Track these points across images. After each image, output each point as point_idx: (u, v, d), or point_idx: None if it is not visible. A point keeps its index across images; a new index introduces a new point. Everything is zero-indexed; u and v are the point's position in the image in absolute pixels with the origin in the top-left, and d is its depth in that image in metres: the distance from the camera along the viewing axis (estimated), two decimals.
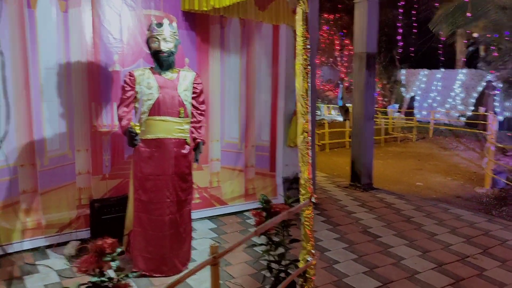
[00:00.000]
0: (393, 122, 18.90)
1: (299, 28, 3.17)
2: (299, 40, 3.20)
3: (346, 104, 20.15)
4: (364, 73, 7.89)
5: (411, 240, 5.40)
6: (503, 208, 7.59)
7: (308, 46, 3.25)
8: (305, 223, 3.26)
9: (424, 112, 22.20)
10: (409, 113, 22.77)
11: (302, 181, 3.28)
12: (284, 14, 6.17)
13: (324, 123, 15.61)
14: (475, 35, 8.73)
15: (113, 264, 2.35)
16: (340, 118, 17.23)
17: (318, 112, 18.99)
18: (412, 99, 23.71)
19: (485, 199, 8.30)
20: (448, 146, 15.81)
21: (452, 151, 14.81)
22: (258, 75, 6.37)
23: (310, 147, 3.21)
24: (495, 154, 10.41)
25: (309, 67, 3.23)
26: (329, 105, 24.72)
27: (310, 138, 3.27)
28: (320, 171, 10.72)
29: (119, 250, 2.41)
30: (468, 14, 9.60)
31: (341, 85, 25.49)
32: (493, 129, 10.83)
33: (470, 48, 12.36)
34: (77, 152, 4.94)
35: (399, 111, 22.47)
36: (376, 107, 24.40)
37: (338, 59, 28.94)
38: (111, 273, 2.37)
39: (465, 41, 15.69)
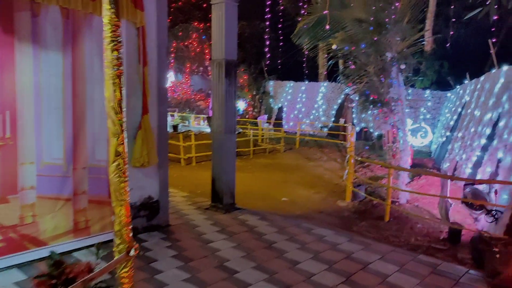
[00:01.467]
0: (263, 134, 18.90)
1: (106, 13, 2.21)
2: (107, 29, 2.24)
3: None
4: (224, 82, 7.15)
5: (272, 273, 4.70)
6: (362, 223, 7.50)
7: (120, 39, 2.27)
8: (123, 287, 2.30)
9: (291, 123, 22.82)
10: (278, 124, 23.22)
11: (117, 227, 2.34)
12: (122, 7, 5.06)
13: (190, 135, 14.68)
14: (334, 46, 8.66)
15: None
16: (209, 130, 16.49)
17: (186, 123, 18.08)
18: (281, 110, 24.28)
19: (346, 213, 8.21)
20: (312, 156, 16.20)
21: (316, 161, 15.15)
22: (90, 78, 5.11)
23: (126, 179, 2.28)
24: (355, 165, 10.69)
25: (121, 68, 2.25)
26: (198, 116, 23.95)
27: (127, 165, 2.32)
28: (182, 189, 9.72)
29: None
30: (327, 27, 9.63)
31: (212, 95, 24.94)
32: (352, 140, 11.15)
33: (330, 62, 12.65)
34: None
35: (268, 122, 22.75)
36: (247, 118, 24.44)
37: (209, 68, 28.45)
38: None
39: (326, 55, 16.31)
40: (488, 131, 8.50)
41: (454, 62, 18.83)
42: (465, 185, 6.30)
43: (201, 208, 7.52)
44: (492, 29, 15.38)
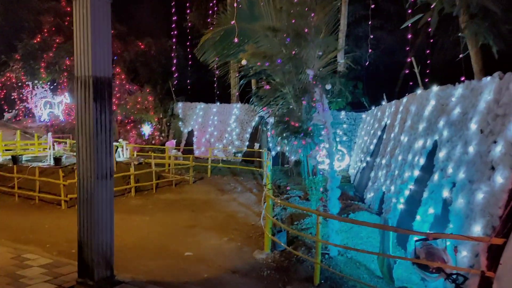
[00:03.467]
0: (169, 162, 16.69)
1: None
2: None
3: (123, 141, 16.96)
4: (92, 108, 5.07)
5: None
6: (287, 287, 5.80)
7: None
8: None
9: (203, 148, 20.91)
10: (189, 150, 21.15)
11: None
12: None
13: (73, 169, 12.03)
14: (243, 62, 7.02)
15: None
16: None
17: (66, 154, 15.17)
18: (191, 134, 22.28)
19: (266, 271, 6.45)
20: (226, 187, 14.39)
21: (230, 194, 13.36)
22: None
23: None
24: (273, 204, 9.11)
25: None
26: (70, 141, 20.81)
27: None
28: (49, 250, 7.30)
29: None
30: (236, 40, 7.99)
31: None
32: (267, 172, 9.53)
33: (242, 81, 11.05)
34: None
35: (177, 148, 20.58)
36: (153, 144, 22.02)
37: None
38: None
39: (237, 74, 14.82)
40: (421, 160, 7.38)
41: (368, 82, 18.52)
42: (416, 240, 4.92)
43: None
44: (407, 48, 15.11)
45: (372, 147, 12.95)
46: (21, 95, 27.87)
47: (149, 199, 12.24)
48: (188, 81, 26.04)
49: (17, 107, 28.37)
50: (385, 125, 11.86)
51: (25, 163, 13.35)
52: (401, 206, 7.82)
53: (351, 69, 16.51)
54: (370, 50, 17.68)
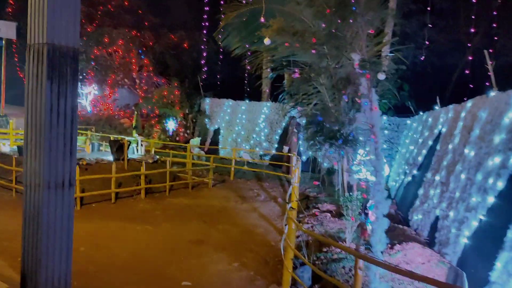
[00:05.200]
0: (189, 162, 15.28)
1: None
2: None
3: (128, 137, 15.76)
4: (45, 88, 3.60)
5: None
6: None
7: None
8: None
9: (229, 148, 19.44)
10: (213, 150, 19.73)
11: None
12: None
13: (81, 164, 10.81)
14: (266, 41, 5.42)
15: None
16: (112, 158, 12.49)
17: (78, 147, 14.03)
18: (217, 132, 20.86)
19: None
20: (247, 194, 12.82)
21: (251, 202, 11.77)
22: None
23: None
24: (295, 225, 7.44)
25: None
26: (92, 133, 19.81)
27: None
28: (18, 265, 5.88)
29: None
30: (262, 20, 6.39)
31: (135, 112, 21.07)
32: (294, 192, 7.83)
33: (271, 75, 9.42)
34: None
35: (201, 147, 19.19)
36: (177, 141, 20.76)
37: (137, 81, 24.58)
38: None
39: (269, 69, 13.20)
40: (500, 184, 5.53)
41: (414, 85, 16.48)
42: None
43: None
44: (469, 45, 13.04)
45: (420, 158, 11.01)
46: None
47: (160, 203, 10.83)
48: (218, 76, 24.68)
49: None
50: (439, 133, 9.93)
51: None
52: (465, 241, 5.98)
53: (395, 68, 14.47)
54: (426, 43, 15.61)
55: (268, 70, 14.64)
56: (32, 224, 3.74)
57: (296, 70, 5.89)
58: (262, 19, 6.41)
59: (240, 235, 8.47)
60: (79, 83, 26.41)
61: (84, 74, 25.81)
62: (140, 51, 24.27)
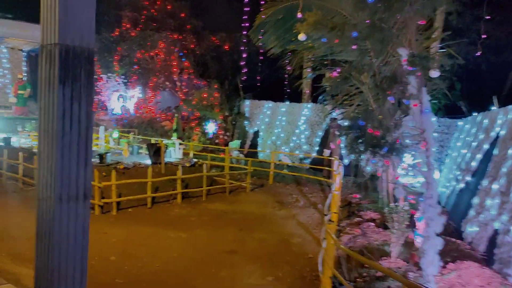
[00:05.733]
0: (227, 165, 15.01)
1: None
2: None
3: (166, 140, 15.71)
4: (57, 92, 3.33)
5: None
6: None
7: None
8: None
9: (268, 151, 19.02)
10: (252, 153, 19.39)
11: None
12: None
13: (118, 168, 10.75)
14: (301, 37, 4.95)
15: None
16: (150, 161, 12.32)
17: (116, 150, 13.95)
18: (256, 134, 20.50)
19: None
20: (286, 199, 12.34)
21: (290, 208, 11.28)
22: None
23: None
24: (337, 228, 6.88)
25: None
26: (134, 136, 19.87)
27: None
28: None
29: None
30: (299, 15, 5.91)
31: (176, 114, 21.14)
32: (334, 202, 7.27)
33: (310, 75, 8.92)
34: None
35: (241, 150, 18.89)
36: (216, 144, 20.60)
37: (178, 83, 24.70)
38: None
39: (309, 69, 12.65)
40: None
41: (466, 84, 15.34)
42: None
43: None
44: None
45: (474, 164, 10.09)
46: (96, 88, 28.13)
47: (195, 209, 10.58)
48: (257, 77, 24.35)
49: None
50: (497, 136, 9.02)
51: None
52: None
53: (450, 64, 13.44)
54: (483, 36, 14.49)
55: (308, 70, 14.11)
56: (44, 240, 3.48)
57: (337, 69, 5.37)
58: (299, 15, 5.94)
59: (276, 244, 8.01)
60: (124, 86, 27.20)
61: (128, 78, 26.28)
62: (181, 53, 24.40)
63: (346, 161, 16.42)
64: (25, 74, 23.40)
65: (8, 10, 21.60)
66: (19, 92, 20.32)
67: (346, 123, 14.85)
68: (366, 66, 4.62)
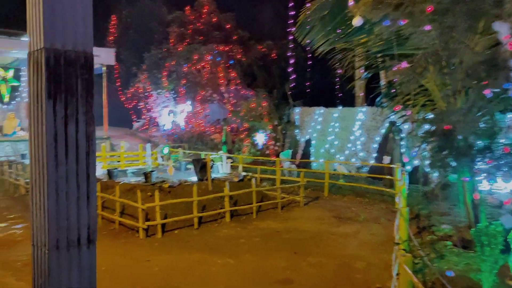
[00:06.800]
0: (283, 177, 14.10)
1: None
2: None
3: (223, 154, 15.09)
4: (45, 110, 2.61)
5: None
6: None
7: None
8: None
9: (321, 160, 17.90)
10: (305, 163, 18.35)
11: None
12: None
13: (162, 187, 10.20)
14: (356, 22, 4.00)
15: None
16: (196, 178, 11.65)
17: (158, 165, 13.35)
18: (308, 143, 19.46)
19: None
20: (344, 213, 11.20)
21: (349, 224, 10.15)
22: None
23: None
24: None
25: None
26: (184, 151, 19.44)
27: None
28: None
29: None
30: (351, 2, 4.95)
31: (224, 127, 20.64)
32: (400, 206, 6.15)
33: (365, 75, 7.89)
34: None
35: (292, 160, 17.92)
36: (266, 155, 19.79)
37: (226, 95, 24.27)
38: None
39: (361, 70, 11.52)
40: None
41: None
42: None
43: None
44: None
45: None
46: (147, 105, 28.50)
47: (245, 228, 9.76)
48: (307, 83, 23.37)
49: (144, 116, 29.08)
50: None
51: (120, 177, 12.07)
52: None
53: None
54: None
55: (361, 71, 12.94)
56: None
57: (402, 63, 4.35)
58: (350, 1, 4.98)
59: (337, 271, 6.96)
60: (174, 101, 27.30)
61: (176, 92, 26.28)
62: (228, 64, 24.00)
63: (408, 168, 14.96)
64: None
65: None
66: None
67: (407, 126, 13.42)
68: (448, 50, 3.58)
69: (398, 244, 4.09)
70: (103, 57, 21.27)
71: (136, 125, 29.58)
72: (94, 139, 2.81)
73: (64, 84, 2.66)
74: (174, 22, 28.24)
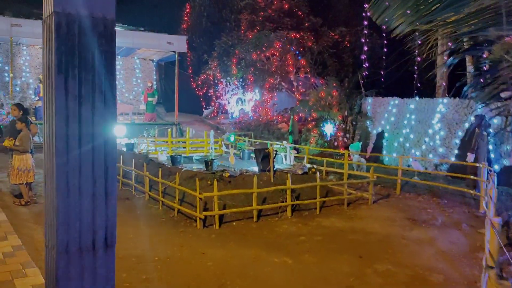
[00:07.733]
0: (351, 172, 13.20)
1: None
2: None
3: (287, 144, 14.49)
4: (55, 88, 2.17)
5: None
6: None
7: None
8: None
9: (395, 155, 16.61)
10: (376, 157, 17.16)
11: None
12: None
13: (224, 177, 9.85)
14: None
15: None
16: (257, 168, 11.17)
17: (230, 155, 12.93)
18: (380, 136, 18.18)
19: None
20: (419, 215, 10.10)
21: (425, 228, 9.09)
22: None
23: None
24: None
25: None
26: (250, 139, 18.88)
27: None
28: None
29: None
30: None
31: (291, 116, 19.96)
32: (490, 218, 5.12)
33: (449, 61, 6.81)
34: None
35: (362, 154, 16.82)
36: (335, 147, 18.84)
37: (295, 83, 23.52)
38: None
39: (445, 57, 10.21)
40: None
41: None
42: None
43: None
44: None
45: None
46: (216, 92, 28.65)
47: (307, 225, 9.11)
48: (381, 72, 21.88)
49: (213, 103, 29.28)
50: None
51: (184, 164, 11.97)
52: None
53: None
54: None
55: (445, 57, 11.57)
56: None
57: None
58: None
59: (408, 284, 6.10)
60: (242, 89, 27.16)
61: (245, 80, 26.04)
62: (297, 52, 23.20)
63: (496, 167, 13.29)
64: (154, 82, 24.74)
65: (139, 23, 22.99)
66: (149, 99, 21.34)
67: (496, 121, 11.87)
68: None
69: (492, 268, 3.26)
70: (176, 45, 21.51)
71: (205, 112, 29.89)
72: (113, 124, 2.34)
73: (79, 56, 2.21)
74: (245, 9, 27.92)
